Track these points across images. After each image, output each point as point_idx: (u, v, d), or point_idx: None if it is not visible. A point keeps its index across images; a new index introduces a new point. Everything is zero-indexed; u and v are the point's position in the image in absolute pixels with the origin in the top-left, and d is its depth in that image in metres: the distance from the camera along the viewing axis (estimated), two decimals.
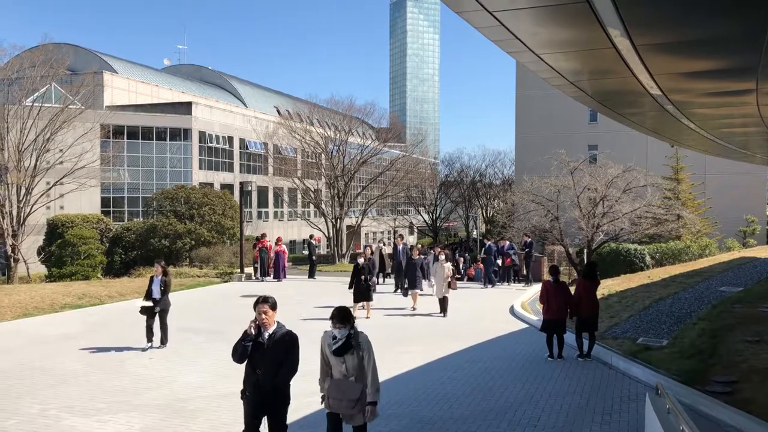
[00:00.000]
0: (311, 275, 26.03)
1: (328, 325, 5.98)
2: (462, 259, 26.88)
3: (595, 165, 31.09)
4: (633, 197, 26.42)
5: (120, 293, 19.79)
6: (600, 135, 42.80)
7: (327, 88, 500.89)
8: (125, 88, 52.55)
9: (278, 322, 5.98)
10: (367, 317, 15.66)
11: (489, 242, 24.51)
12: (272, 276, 24.96)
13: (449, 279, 16.43)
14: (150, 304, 12.47)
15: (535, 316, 15.58)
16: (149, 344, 12.45)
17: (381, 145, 48.07)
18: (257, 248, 25.56)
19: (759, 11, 5.76)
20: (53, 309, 17.19)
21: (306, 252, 31.37)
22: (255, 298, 5.98)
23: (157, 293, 12.45)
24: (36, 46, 34.11)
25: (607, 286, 19.02)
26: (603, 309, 14.22)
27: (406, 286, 19.04)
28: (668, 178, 34.61)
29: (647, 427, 6.96)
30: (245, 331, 5.84)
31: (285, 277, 24.82)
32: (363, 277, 15.69)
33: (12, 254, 29.31)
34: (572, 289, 12.50)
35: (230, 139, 52.31)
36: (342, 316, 5.90)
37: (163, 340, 12.58)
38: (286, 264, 26.11)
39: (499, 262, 23.83)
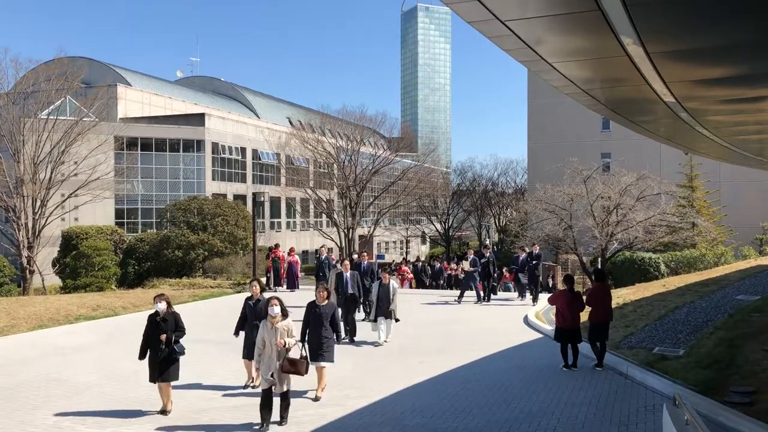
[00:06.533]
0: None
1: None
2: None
3: (609, 173, 31.03)
4: (647, 205, 26.33)
5: (134, 304, 19.86)
6: (613, 143, 42.66)
7: (339, 98, 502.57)
8: (139, 101, 53.07)
9: None
10: (163, 410, 9.05)
11: (472, 254, 21.54)
12: (285, 286, 25.00)
13: (286, 353, 8.39)
14: None
15: (549, 326, 15.45)
16: None
17: (393, 155, 48.17)
18: (270, 258, 25.61)
19: None
20: (68, 320, 17.28)
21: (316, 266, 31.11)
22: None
23: None
24: (51, 60, 34.56)
25: (621, 296, 18.84)
26: (618, 318, 14.10)
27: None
28: (682, 185, 34.39)
29: None
30: None
31: (298, 287, 24.83)
32: (164, 337, 8.89)
33: (27, 266, 29.61)
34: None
35: (243, 150, 52.61)
36: None
37: None
38: (299, 274, 26.13)
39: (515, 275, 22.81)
